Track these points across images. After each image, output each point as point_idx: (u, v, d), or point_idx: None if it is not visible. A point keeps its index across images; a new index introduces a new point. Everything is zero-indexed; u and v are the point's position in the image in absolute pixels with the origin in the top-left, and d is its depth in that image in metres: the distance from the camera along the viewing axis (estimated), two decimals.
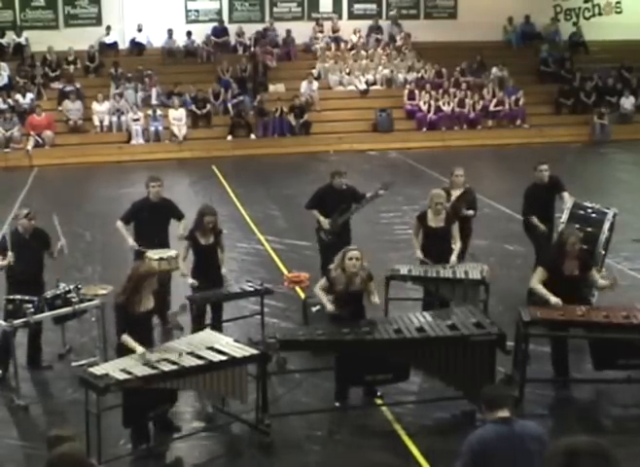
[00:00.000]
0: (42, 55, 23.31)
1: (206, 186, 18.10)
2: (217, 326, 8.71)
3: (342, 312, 7.62)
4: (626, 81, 24.99)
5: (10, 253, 8.28)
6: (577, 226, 9.58)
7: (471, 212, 10.09)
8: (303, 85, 23.39)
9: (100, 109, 22.10)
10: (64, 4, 24.35)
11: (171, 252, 9.35)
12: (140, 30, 24.42)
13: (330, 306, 7.69)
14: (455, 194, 10.05)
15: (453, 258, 9.16)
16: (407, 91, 23.66)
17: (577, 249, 7.90)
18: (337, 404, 7.68)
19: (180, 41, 24.69)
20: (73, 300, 8.36)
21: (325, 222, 10.02)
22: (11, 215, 12.74)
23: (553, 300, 7.73)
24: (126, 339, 6.88)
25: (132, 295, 6.93)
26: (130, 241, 9.49)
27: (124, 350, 6.91)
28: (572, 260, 7.91)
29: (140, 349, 6.78)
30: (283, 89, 23.75)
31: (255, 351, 7.03)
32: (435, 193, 9.45)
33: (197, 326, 8.35)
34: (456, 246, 9.29)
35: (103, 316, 8.41)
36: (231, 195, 16.86)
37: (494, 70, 24.53)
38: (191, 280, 8.67)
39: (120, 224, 9.64)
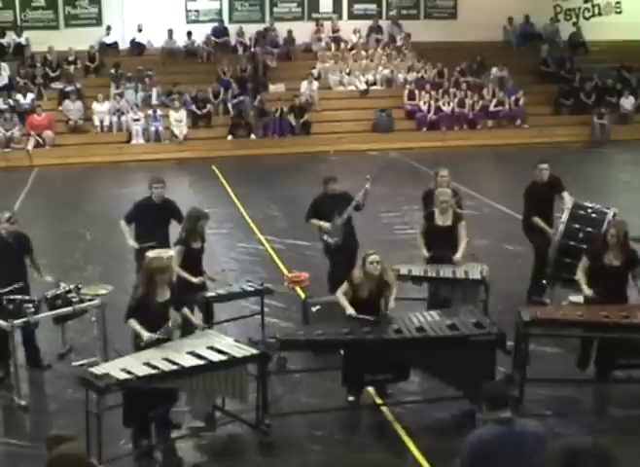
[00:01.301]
0: (42, 56, 23.31)
1: (206, 186, 18.11)
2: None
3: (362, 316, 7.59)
4: (626, 81, 24.99)
5: None
6: (577, 226, 9.60)
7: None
8: (303, 85, 23.40)
9: (101, 109, 22.11)
10: (64, 4, 24.36)
11: (171, 252, 9.35)
12: (140, 30, 24.43)
13: (350, 310, 7.62)
14: None
15: (458, 255, 9.16)
16: (407, 92, 23.67)
17: (616, 241, 7.93)
18: (350, 398, 7.68)
19: (180, 41, 24.71)
20: (73, 300, 8.36)
21: (327, 225, 9.92)
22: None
23: (586, 291, 7.97)
24: (132, 323, 7.01)
25: (147, 287, 7.06)
26: (131, 242, 9.49)
27: (140, 343, 6.98)
28: (614, 251, 7.96)
29: (146, 334, 6.88)
30: (283, 89, 23.75)
31: (255, 351, 7.04)
32: (439, 191, 9.43)
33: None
34: (462, 244, 9.29)
35: (103, 316, 8.42)
36: (231, 195, 16.87)
37: (494, 70, 24.54)
38: (196, 279, 8.65)
39: (123, 223, 9.67)
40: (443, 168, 10.19)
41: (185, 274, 8.58)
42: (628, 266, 8.03)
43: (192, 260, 8.76)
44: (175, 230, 9.77)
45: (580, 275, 8.17)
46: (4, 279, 8.30)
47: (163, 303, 7.15)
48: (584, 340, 8.14)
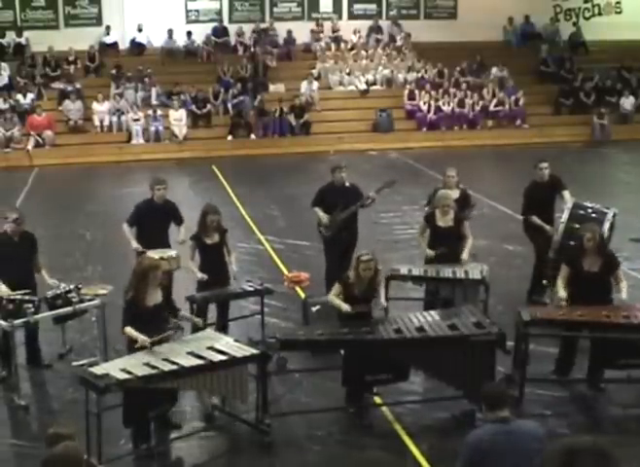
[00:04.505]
0: (42, 55, 23.35)
1: (206, 186, 18.11)
2: (221, 325, 8.72)
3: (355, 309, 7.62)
4: (626, 81, 25.00)
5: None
6: (577, 226, 9.59)
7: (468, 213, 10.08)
8: (303, 85, 23.41)
9: (100, 109, 22.12)
10: (64, 4, 24.39)
11: (171, 252, 9.35)
12: (140, 30, 24.45)
13: (346, 307, 7.63)
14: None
15: (465, 256, 9.15)
16: (407, 91, 23.68)
17: (592, 245, 7.84)
18: (351, 410, 7.67)
19: (180, 41, 24.73)
20: (73, 300, 8.35)
21: (324, 217, 9.98)
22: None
23: (560, 294, 7.86)
24: (129, 330, 6.95)
25: (139, 289, 7.00)
26: (134, 244, 9.46)
27: (133, 347, 6.95)
28: (592, 256, 7.87)
29: (142, 338, 6.84)
30: (283, 90, 23.76)
31: (255, 351, 7.04)
32: (442, 194, 9.39)
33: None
34: (467, 244, 9.27)
35: (103, 316, 8.42)
36: (232, 195, 16.87)
37: (494, 70, 24.55)
38: (200, 274, 8.67)
39: (126, 226, 9.63)
40: (451, 168, 10.17)
41: (193, 268, 8.66)
42: (608, 270, 7.92)
43: (208, 256, 8.78)
44: (174, 231, 9.79)
45: (558, 281, 8.05)
46: (12, 279, 8.27)
47: (156, 306, 7.09)
48: (566, 343, 8.12)
